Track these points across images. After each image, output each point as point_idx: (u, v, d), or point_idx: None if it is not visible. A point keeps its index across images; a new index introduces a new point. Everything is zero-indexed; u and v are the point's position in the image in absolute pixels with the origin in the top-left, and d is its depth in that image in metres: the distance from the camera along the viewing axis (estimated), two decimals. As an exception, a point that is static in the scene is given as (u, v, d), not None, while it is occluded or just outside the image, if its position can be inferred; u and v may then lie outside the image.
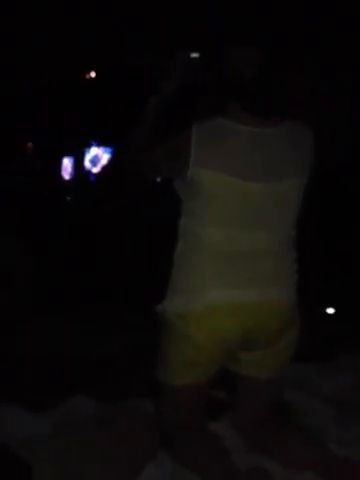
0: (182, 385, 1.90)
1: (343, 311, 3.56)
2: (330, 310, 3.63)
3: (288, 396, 2.36)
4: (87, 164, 7.87)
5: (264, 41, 1.82)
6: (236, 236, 1.82)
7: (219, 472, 1.93)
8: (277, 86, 1.78)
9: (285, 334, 1.89)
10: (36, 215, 5.01)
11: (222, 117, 1.78)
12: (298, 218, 1.90)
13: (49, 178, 7.38)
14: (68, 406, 2.33)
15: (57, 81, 7.49)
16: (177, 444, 1.99)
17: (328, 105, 4.45)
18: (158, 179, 2.41)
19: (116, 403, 2.33)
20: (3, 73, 6.43)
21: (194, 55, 1.92)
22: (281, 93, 1.79)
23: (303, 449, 1.98)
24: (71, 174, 7.82)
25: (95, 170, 7.76)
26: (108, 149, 7.67)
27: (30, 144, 8.00)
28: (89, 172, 7.79)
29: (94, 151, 7.85)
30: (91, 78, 8.12)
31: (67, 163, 7.96)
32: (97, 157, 7.78)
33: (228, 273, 1.83)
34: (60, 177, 7.65)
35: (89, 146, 7.84)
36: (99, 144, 7.76)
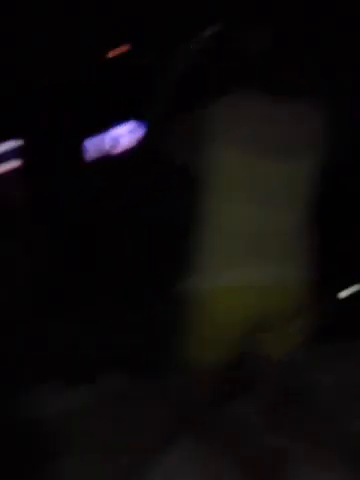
0: (204, 364, 1.89)
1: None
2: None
3: (307, 376, 2.35)
4: (108, 145, 7.60)
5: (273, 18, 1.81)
6: (254, 214, 1.81)
7: (239, 452, 1.93)
8: (291, 61, 1.77)
9: (302, 314, 1.88)
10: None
11: (237, 95, 1.78)
12: (315, 198, 1.88)
13: (73, 162, 7.16)
14: (97, 384, 2.34)
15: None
16: (198, 424, 1.99)
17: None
18: (178, 160, 2.41)
19: (141, 382, 2.33)
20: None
21: (207, 32, 1.92)
22: (294, 69, 1.77)
23: (322, 428, 1.97)
24: (93, 156, 7.57)
25: (116, 151, 7.51)
26: (130, 128, 7.40)
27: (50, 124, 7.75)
28: (110, 153, 7.54)
29: (115, 131, 7.57)
30: (116, 55, 7.86)
31: (89, 145, 7.68)
32: (118, 137, 7.52)
33: (246, 252, 1.82)
34: (83, 160, 7.38)
35: (111, 126, 7.57)
36: (121, 124, 7.51)
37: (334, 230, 4.31)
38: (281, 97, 1.79)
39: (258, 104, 1.77)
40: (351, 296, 3.59)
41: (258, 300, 1.82)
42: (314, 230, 1.96)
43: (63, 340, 3.04)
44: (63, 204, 5.28)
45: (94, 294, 3.70)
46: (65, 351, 2.92)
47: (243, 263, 1.81)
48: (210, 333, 1.86)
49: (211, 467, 1.95)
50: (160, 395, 2.27)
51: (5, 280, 3.54)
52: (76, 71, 7.60)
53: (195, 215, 1.91)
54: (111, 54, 7.88)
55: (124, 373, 2.48)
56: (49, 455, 1.99)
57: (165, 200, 4.34)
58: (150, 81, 1.99)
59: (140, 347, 2.84)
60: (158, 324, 3.11)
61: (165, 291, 2.31)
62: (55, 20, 5.83)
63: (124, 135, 7.55)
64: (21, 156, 7.24)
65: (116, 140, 7.67)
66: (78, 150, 7.72)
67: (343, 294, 3.61)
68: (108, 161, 7.49)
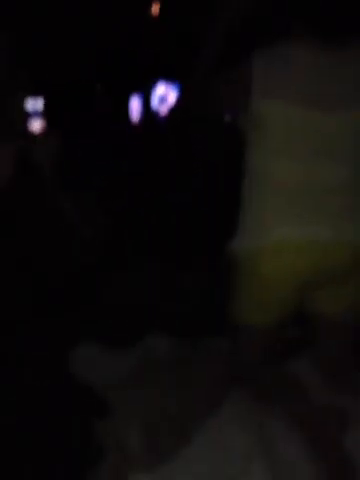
0: (255, 324, 1.86)
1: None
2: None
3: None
4: (155, 103, 7.48)
5: None
6: (303, 169, 1.73)
7: (295, 410, 1.90)
8: (343, 6, 1.66)
9: (358, 272, 1.81)
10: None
11: (286, 43, 1.69)
12: None
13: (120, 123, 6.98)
14: (144, 345, 2.34)
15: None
16: (251, 383, 1.97)
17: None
18: (226, 116, 2.32)
19: (191, 342, 2.32)
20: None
21: None
22: (345, 8, 1.65)
23: None
24: (139, 115, 7.44)
25: (163, 109, 7.39)
26: (175, 86, 7.27)
27: (98, 85, 7.68)
28: (157, 112, 7.43)
29: (161, 89, 7.45)
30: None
31: (135, 104, 7.57)
32: (164, 95, 7.40)
33: (298, 209, 1.75)
34: (129, 120, 7.19)
35: (155, 84, 7.43)
36: (166, 81, 7.37)
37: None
38: (331, 41, 1.69)
39: (305, 51, 1.68)
40: None
41: (311, 258, 1.76)
42: None
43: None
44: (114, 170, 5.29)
45: (144, 259, 3.71)
46: (117, 314, 2.92)
47: (297, 220, 1.75)
48: (263, 292, 1.81)
49: (267, 425, 1.91)
50: (212, 356, 2.24)
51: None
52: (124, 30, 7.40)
53: (242, 173, 1.86)
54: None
55: (173, 336, 2.46)
56: (99, 418, 1.99)
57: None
58: (197, 39, 1.92)
59: (190, 309, 2.82)
60: (208, 285, 3.08)
61: (215, 251, 2.27)
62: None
63: (171, 94, 7.40)
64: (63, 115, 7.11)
65: (163, 99, 7.52)
66: (125, 107, 7.58)
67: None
68: (154, 120, 7.35)
